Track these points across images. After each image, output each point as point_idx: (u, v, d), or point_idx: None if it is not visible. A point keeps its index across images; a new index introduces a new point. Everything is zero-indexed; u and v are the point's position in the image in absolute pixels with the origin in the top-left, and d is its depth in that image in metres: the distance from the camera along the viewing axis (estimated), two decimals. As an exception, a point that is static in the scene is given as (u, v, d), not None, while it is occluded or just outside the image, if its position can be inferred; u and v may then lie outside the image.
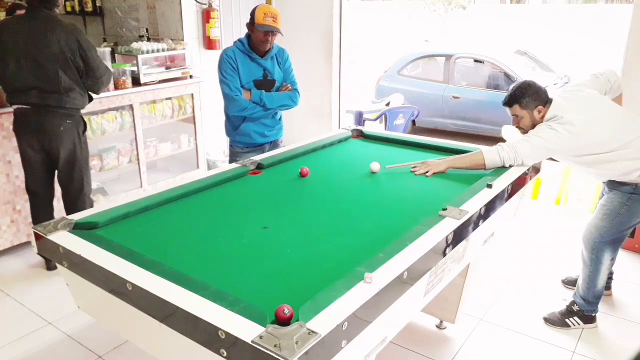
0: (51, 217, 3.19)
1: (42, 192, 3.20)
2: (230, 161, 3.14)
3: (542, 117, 2.48)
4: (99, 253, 1.61)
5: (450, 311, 2.57)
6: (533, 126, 2.48)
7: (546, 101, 2.49)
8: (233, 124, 3.08)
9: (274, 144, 3.17)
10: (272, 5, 5.05)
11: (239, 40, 2.98)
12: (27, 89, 2.92)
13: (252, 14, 2.85)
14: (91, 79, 3.06)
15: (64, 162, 3.11)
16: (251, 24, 2.86)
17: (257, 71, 2.96)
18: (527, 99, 2.48)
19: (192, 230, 1.88)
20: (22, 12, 3.12)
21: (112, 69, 3.73)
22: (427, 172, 2.41)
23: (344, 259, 1.62)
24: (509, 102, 2.54)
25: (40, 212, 3.20)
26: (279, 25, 2.85)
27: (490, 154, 2.39)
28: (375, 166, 2.47)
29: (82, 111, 3.16)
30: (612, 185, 2.54)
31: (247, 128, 3.04)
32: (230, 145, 3.18)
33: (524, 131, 2.53)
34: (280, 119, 3.18)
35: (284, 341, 1.15)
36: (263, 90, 2.95)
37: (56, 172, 3.20)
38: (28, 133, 3.04)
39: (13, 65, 2.91)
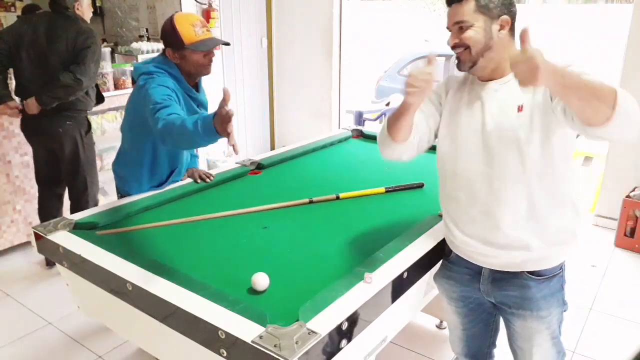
0: (59, 212, 3.20)
1: (50, 186, 3.21)
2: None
3: (508, 39, 1.42)
4: (99, 253, 1.61)
5: (450, 311, 2.56)
6: (485, 49, 1.40)
7: (514, 16, 1.42)
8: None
9: None
10: (273, 6, 5.04)
11: (168, 73, 2.01)
12: (31, 86, 2.92)
13: (172, 32, 1.97)
14: (77, 73, 2.85)
15: (67, 162, 3.11)
16: (179, 48, 1.99)
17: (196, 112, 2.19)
18: None
19: (192, 230, 1.88)
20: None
21: (112, 69, 3.73)
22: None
23: (344, 259, 1.62)
24: None
25: (47, 205, 3.20)
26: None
27: (627, 99, 1.19)
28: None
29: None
30: (538, 288, 1.50)
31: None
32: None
33: (469, 56, 1.42)
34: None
35: (284, 341, 1.15)
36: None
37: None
38: (31, 133, 3.06)
39: (24, 60, 2.91)
